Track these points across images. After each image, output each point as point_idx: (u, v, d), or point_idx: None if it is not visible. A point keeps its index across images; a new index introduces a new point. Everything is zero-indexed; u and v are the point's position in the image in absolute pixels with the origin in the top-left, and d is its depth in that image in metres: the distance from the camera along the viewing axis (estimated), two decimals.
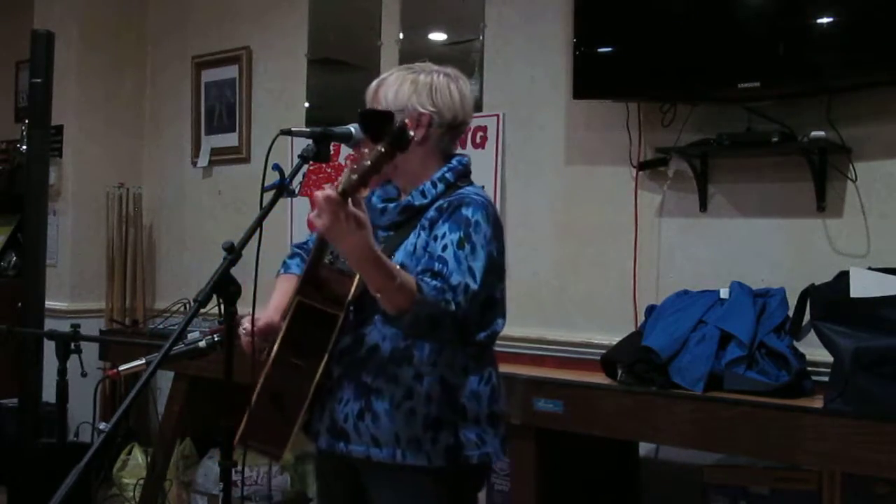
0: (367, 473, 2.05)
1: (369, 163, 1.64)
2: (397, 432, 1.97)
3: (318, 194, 1.68)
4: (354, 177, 1.65)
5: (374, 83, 2.10)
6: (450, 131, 2.08)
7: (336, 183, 1.70)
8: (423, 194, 2.03)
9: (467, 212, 1.96)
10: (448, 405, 1.99)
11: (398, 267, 1.83)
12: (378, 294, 1.80)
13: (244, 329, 2.06)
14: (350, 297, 1.96)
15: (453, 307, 1.85)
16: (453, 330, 1.90)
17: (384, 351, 1.99)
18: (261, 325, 2.06)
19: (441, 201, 2.01)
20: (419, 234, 2.00)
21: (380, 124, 1.61)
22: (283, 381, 1.97)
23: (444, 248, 1.91)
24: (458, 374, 2.01)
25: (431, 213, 2.00)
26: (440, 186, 2.04)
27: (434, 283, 1.85)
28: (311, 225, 1.75)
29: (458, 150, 2.16)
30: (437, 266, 1.88)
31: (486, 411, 2.04)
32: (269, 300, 2.18)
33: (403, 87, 2.04)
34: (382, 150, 1.64)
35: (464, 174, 2.09)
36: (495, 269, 2.02)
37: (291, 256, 2.30)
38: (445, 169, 2.06)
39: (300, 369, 1.97)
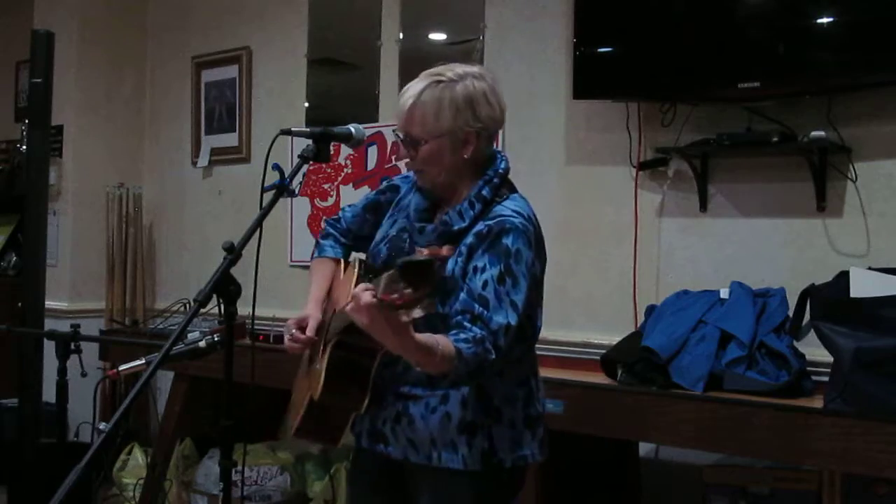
0: (407, 474, 2.07)
1: (411, 295, 1.58)
2: (433, 435, 1.97)
3: (360, 296, 1.67)
4: (395, 296, 1.59)
5: (408, 102, 1.98)
6: (490, 137, 2.05)
7: (375, 288, 1.67)
8: (460, 215, 1.98)
9: (507, 241, 1.91)
10: (482, 409, 1.98)
11: (436, 340, 1.80)
12: (418, 367, 1.82)
13: (291, 335, 2.07)
14: None
15: (493, 355, 1.84)
16: (495, 369, 1.92)
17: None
18: (311, 331, 2.07)
19: (480, 226, 1.95)
20: (457, 261, 1.94)
21: (421, 273, 1.57)
22: (331, 401, 2.00)
23: (485, 284, 1.88)
24: (493, 379, 1.98)
25: (470, 238, 1.95)
26: (478, 206, 1.98)
27: (473, 332, 1.83)
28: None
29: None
30: (477, 309, 1.86)
31: (522, 414, 2.02)
32: (310, 289, 2.18)
33: (444, 110, 1.95)
34: (425, 293, 1.59)
35: (501, 184, 2.03)
36: (538, 287, 2.02)
37: (325, 236, 2.27)
38: (481, 184, 2.00)
39: (346, 395, 2.00)
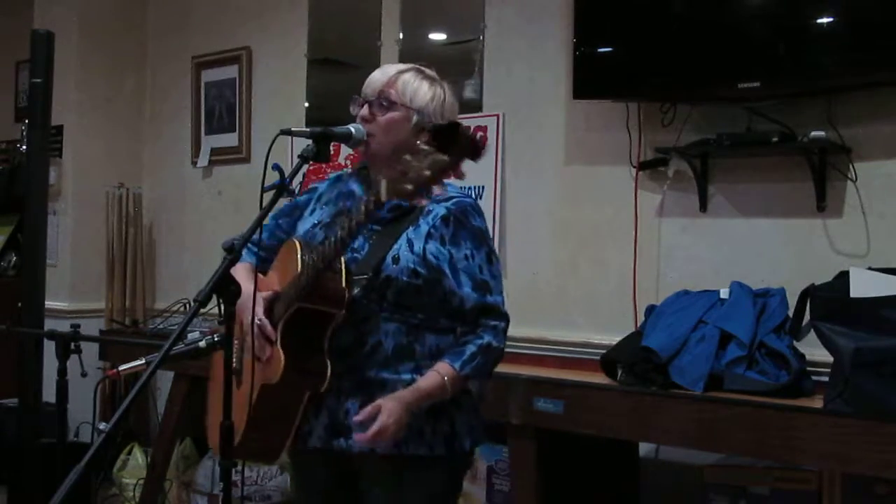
0: (365, 467, 2.07)
1: (429, 173, 1.63)
2: None
3: (384, 427, 1.88)
4: (409, 187, 1.64)
5: (391, 71, 2.12)
6: None
7: (371, 198, 1.77)
8: None
9: (476, 222, 2.09)
10: None
11: (442, 382, 1.98)
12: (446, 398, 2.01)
13: (260, 321, 2.03)
14: (347, 297, 1.97)
15: (502, 337, 2.07)
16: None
17: (387, 347, 2.02)
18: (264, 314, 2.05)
19: (438, 208, 2.06)
20: (427, 241, 2.03)
21: (451, 135, 1.63)
22: (284, 389, 1.99)
23: (480, 268, 2.05)
24: None
25: (436, 221, 2.05)
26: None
27: (494, 324, 2.05)
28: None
29: None
30: (489, 299, 2.05)
31: (473, 401, 2.14)
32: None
33: (423, 91, 2.09)
34: (451, 158, 1.62)
35: None
36: None
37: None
38: None
39: (307, 374, 1.99)
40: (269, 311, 2.06)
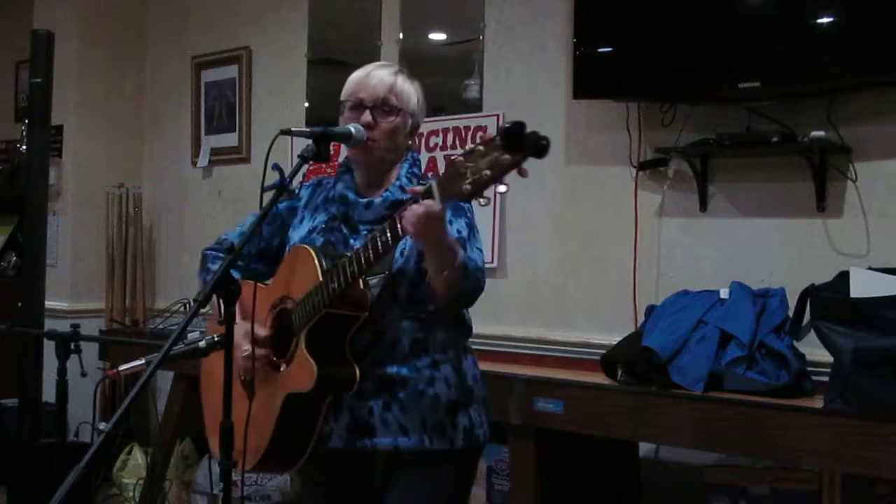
0: (386, 466, 2.09)
1: (489, 174, 1.61)
2: (424, 419, 2.03)
3: (419, 212, 1.77)
4: (469, 188, 1.63)
5: (387, 76, 2.12)
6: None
7: (435, 180, 1.73)
8: (402, 189, 2.09)
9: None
10: (462, 389, 2.09)
11: (458, 248, 1.92)
12: (443, 272, 1.89)
13: (247, 351, 2.05)
14: (370, 300, 1.99)
15: (482, 284, 2.01)
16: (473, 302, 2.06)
17: (404, 344, 2.04)
18: (261, 338, 2.08)
19: None
20: None
21: (518, 134, 1.59)
22: (311, 397, 1.98)
23: (458, 232, 2.03)
24: (462, 358, 2.13)
25: None
26: (415, 181, 2.12)
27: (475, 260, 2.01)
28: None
29: None
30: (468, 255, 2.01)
31: (481, 393, 2.17)
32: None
33: (415, 94, 2.14)
34: (515, 158, 1.60)
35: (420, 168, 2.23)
36: None
37: (213, 260, 2.31)
38: (408, 166, 2.16)
39: (336, 377, 1.99)
40: (276, 321, 2.08)
